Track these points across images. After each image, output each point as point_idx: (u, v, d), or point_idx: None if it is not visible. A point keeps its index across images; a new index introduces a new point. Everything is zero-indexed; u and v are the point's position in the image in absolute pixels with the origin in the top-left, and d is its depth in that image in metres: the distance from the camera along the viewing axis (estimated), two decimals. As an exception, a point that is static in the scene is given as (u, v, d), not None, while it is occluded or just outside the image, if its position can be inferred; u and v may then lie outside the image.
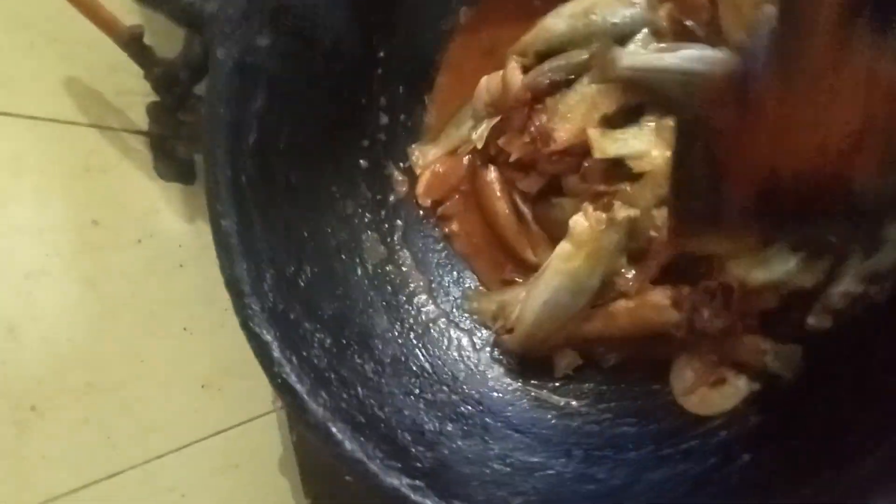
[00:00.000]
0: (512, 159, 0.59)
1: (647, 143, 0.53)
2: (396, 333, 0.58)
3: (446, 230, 0.64)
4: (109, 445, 0.55)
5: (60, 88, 0.57)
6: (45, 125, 0.55)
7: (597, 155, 0.54)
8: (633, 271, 0.54)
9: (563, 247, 0.54)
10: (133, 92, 0.58)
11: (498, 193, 0.61)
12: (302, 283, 0.51)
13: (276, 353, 0.46)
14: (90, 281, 0.56)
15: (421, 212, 0.64)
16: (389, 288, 0.60)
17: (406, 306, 0.60)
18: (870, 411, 0.48)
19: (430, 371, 0.57)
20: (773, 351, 0.53)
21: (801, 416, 0.52)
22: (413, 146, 0.64)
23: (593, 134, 0.54)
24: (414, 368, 0.56)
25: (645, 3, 0.56)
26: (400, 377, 0.54)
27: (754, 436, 0.53)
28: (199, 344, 0.62)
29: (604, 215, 0.53)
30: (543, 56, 0.59)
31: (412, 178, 0.64)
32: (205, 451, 0.62)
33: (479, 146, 0.61)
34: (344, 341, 0.52)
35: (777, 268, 0.52)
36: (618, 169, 0.54)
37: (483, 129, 0.61)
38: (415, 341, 0.58)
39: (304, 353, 0.47)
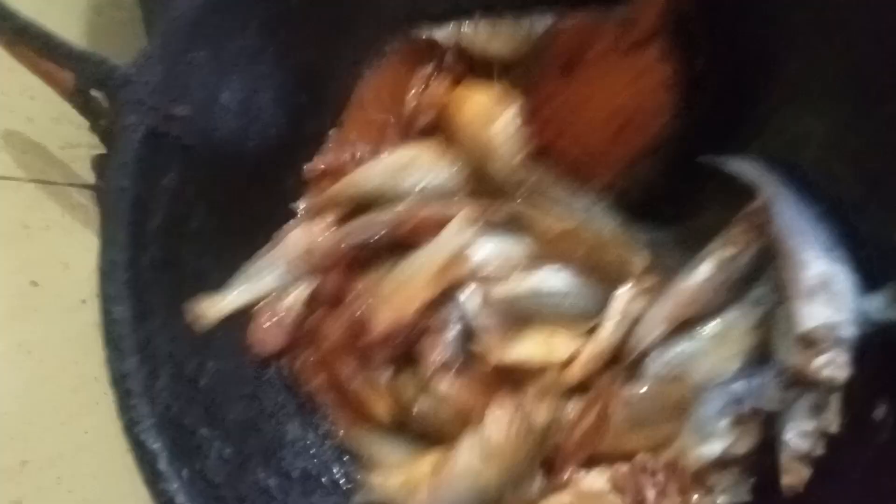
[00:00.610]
0: (328, 347, 0.52)
1: (543, 344, 0.50)
2: (310, 442, 0.51)
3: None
4: (45, 528, 0.50)
5: None
6: (-20, 182, 0.52)
7: (493, 362, 0.50)
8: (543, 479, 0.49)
9: (470, 463, 0.47)
10: (78, 145, 0.56)
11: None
12: (203, 382, 0.45)
13: (163, 466, 0.39)
14: (26, 347, 0.52)
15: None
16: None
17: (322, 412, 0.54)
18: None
19: (346, 486, 0.51)
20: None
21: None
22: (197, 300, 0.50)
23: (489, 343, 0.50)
24: (326, 484, 0.50)
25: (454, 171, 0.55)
26: (310, 496, 0.48)
27: None
28: (151, 411, 0.57)
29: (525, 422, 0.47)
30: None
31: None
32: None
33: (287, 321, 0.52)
34: (247, 451, 0.46)
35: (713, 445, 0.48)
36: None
37: (293, 300, 0.53)
38: (330, 452, 0.52)
39: (198, 467, 0.41)
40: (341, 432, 0.53)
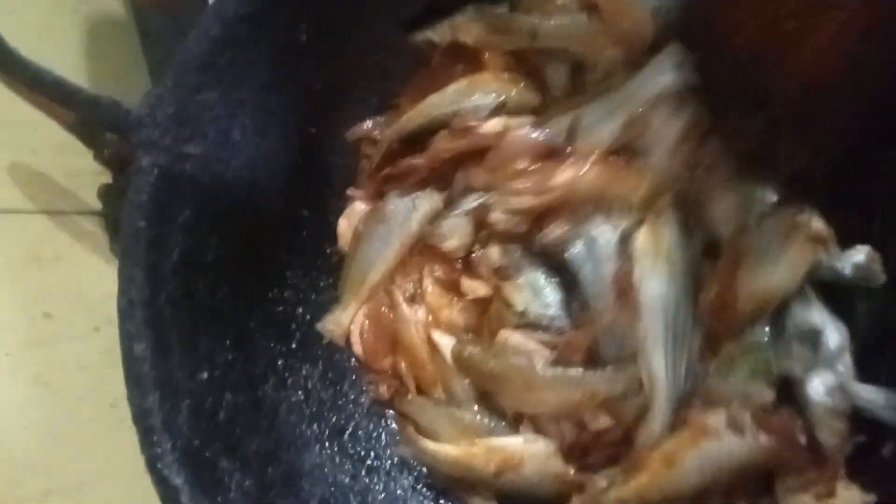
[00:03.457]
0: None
1: None
2: (328, 470, 0.52)
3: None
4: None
5: (4, 175, 0.55)
6: (-12, 217, 0.53)
7: None
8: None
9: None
10: (84, 172, 0.56)
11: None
12: (222, 415, 0.46)
13: (186, 500, 0.40)
14: (43, 378, 0.53)
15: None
16: (328, 414, 0.55)
17: (341, 438, 0.55)
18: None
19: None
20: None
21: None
22: (322, 322, 0.57)
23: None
24: (344, 512, 0.51)
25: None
26: (328, 524, 0.49)
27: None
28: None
29: None
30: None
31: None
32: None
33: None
34: (267, 482, 0.46)
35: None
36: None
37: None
38: (349, 481, 0.53)
39: (220, 500, 0.42)
40: (401, 403, 0.57)
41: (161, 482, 0.40)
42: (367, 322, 0.58)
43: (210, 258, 0.48)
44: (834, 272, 0.50)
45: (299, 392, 0.54)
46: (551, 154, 0.54)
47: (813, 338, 0.49)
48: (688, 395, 0.51)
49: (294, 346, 0.55)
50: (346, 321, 0.57)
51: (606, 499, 0.50)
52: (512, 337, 0.53)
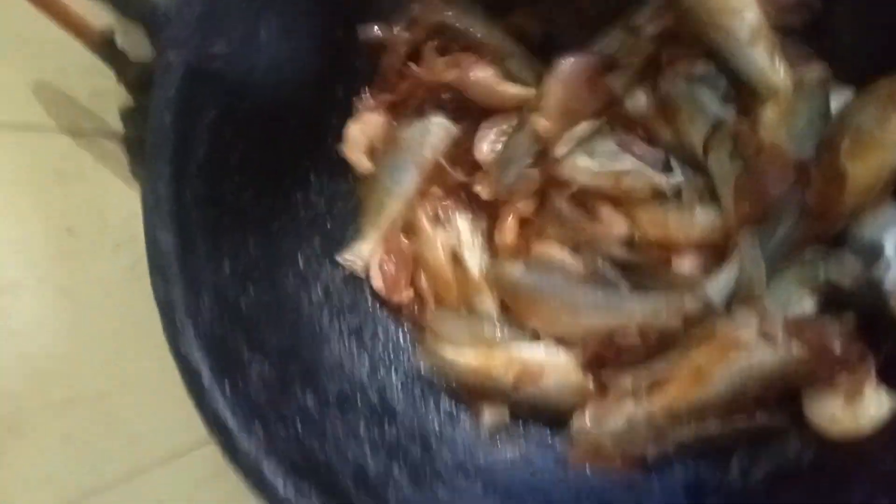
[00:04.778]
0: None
1: None
2: (346, 367, 0.53)
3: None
4: (93, 461, 0.54)
5: (30, 93, 0.56)
6: (14, 132, 0.54)
7: None
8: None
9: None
10: (108, 94, 0.56)
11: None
12: (244, 308, 0.47)
13: (208, 383, 0.42)
14: (67, 291, 0.55)
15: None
16: (348, 315, 0.56)
17: (360, 337, 0.56)
18: None
19: (380, 408, 0.53)
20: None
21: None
22: (342, 254, 0.57)
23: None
24: (362, 405, 0.52)
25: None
26: (346, 414, 0.50)
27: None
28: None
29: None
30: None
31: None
32: (194, 461, 0.58)
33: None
34: (287, 375, 0.48)
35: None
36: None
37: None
38: (367, 378, 0.54)
39: (241, 385, 0.43)
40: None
41: (184, 363, 0.42)
42: (386, 255, 0.57)
43: (235, 160, 0.48)
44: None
45: (320, 293, 0.55)
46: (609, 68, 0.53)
47: (870, 251, 0.47)
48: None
49: (317, 248, 0.56)
50: (367, 253, 0.57)
51: (632, 412, 0.50)
52: (546, 247, 0.53)
